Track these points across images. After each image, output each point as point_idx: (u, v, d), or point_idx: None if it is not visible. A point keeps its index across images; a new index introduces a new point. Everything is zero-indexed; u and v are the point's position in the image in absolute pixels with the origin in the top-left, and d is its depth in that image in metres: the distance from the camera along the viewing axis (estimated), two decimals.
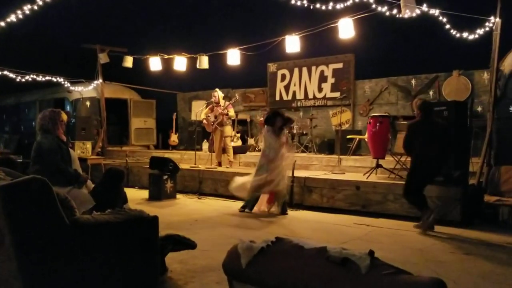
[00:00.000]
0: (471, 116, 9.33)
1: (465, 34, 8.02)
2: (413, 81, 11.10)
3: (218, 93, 10.20)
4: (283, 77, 13.17)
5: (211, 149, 10.57)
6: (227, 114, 10.03)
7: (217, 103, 10.10)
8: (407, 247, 5.36)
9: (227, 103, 10.13)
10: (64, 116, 12.89)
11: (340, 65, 12.13)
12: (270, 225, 6.57)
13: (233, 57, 10.69)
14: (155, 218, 3.64)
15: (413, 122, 6.45)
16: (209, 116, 10.15)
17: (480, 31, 7.87)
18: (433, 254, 5.07)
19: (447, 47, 10.34)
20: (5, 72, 12.65)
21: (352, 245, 5.23)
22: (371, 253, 2.23)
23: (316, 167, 9.45)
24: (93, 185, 5.69)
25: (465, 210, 6.52)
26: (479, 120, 9.28)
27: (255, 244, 2.54)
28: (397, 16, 7.72)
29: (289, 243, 2.49)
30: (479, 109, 10.01)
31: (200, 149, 11.93)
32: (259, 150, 10.82)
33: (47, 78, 13.49)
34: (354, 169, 9.03)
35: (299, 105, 12.80)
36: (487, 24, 7.71)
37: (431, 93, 10.76)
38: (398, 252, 5.09)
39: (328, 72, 12.30)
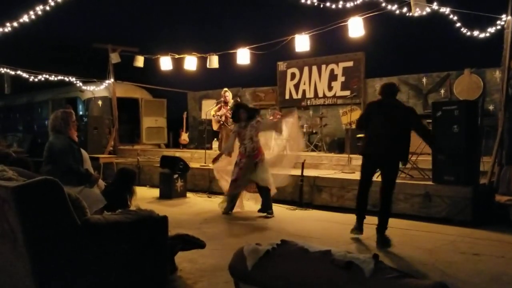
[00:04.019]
0: (482, 115, 9.26)
1: (476, 32, 7.96)
2: (424, 80, 11.01)
3: (230, 94, 10.29)
4: (293, 75, 13.15)
5: (220, 148, 10.63)
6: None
7: (226, 102, 10.17)
8: (417, 247, 5.35)
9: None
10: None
11: (350, 64, 12.08)
12: (280, 224, 6.59)
13: (243, 56, 10.73)
14: (165, 218, 3.69)
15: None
16: (217, 115, 10.27)
17: (492, 29, 7.81)
18: (442, 254, 5.05)
19: (459, 45, 10.26)
20: (19, 72, 12.81)
21: (361, 245, 5.25)
22: (375, 256, 2.24)
23: (326, 166, 9.43)
24: (104, 184, 5.77)
25: (476, 210, 6.47)
26: (491, 119, 9.20)
27: (261, 247, 2.57)
28: (408, 14, 7.69)
29: (294, 246, 2.51)
30: (491, 107, 9.90)
31: (210, 148, 11.98)
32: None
33: (59, 77, 13.64)
34: None
35: (308, 104, 12.78)
36: (498, 22, 7.65)
37: (442, 91, 10.67)
38: (408, 253, 5.08)
39: (338, 70, 12.25)
